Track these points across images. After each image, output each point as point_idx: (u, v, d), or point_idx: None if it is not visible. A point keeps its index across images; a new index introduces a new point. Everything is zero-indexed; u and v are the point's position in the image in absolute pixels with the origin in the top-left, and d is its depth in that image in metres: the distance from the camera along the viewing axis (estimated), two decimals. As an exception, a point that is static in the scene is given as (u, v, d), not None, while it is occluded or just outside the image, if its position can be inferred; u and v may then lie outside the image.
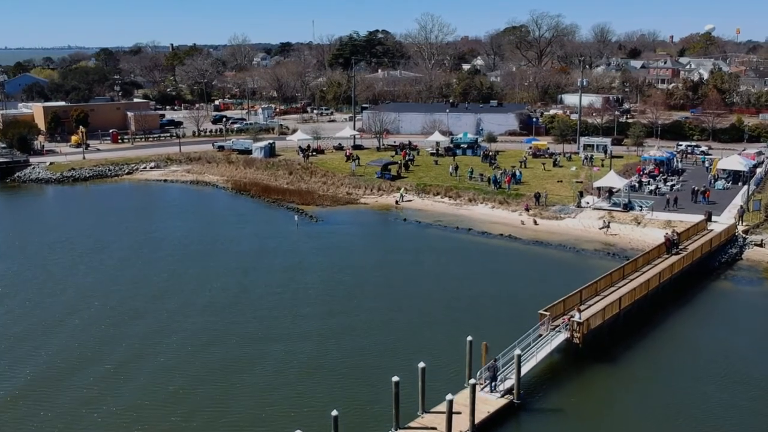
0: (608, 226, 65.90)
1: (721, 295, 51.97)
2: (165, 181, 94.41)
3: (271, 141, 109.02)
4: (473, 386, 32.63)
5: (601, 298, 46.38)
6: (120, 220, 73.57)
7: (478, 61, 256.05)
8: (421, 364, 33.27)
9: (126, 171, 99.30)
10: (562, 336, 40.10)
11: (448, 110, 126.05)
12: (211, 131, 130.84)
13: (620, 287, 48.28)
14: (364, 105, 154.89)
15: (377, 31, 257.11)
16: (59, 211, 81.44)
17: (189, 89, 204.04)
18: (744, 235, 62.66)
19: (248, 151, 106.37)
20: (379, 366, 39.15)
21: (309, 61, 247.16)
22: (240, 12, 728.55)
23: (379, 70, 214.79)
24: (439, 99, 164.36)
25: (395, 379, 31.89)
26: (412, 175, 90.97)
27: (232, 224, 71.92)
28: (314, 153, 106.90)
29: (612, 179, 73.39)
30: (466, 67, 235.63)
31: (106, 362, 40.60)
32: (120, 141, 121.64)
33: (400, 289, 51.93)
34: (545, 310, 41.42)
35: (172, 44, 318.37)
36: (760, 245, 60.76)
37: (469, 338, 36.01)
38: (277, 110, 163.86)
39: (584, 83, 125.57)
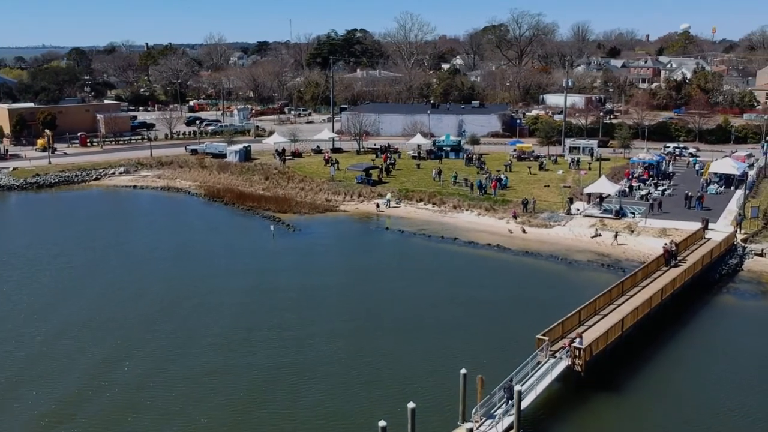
0: (616, 237, 62.45)
1: (725, 311, 48.82)
2: (134, 187, 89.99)
3: (246, 144, 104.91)
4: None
5: (601, 318, 43.07)
6: (82, 231, 69.09)
7: (458, 61, 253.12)
8: (411, 405, 29.65)
9: (94, 177, 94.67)
10: (563, 364, 36.67)
11: (429, 111, 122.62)
12: (184, 134, 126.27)
13: (620, 305, 45.04)
14: (342, 106, 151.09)
15: (356, 30, 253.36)
16: (19, 221, 76.76)
17: (163, 90, 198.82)
18: (743, 244, 59.75)
19: (222, 155, 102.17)
20: (362, 407, 35.23)
21: (286, 60, 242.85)
22: (217, 10, 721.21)
23: (358, 70, 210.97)
24: (419, 99, 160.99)
25: (382, 423, 28.25)
26: (393, 180, 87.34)
27: (204, 235, 67.73)
28: (292, 156, 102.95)
29: (603, 185, 70.27)
30: (445, 66, 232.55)
31: (49, 389, 36.55)
32: (89, 144, 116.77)
33: (385, 312, 47.79)
34: (543, 335, 37.99)
35: (147, 43, 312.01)
36: (761, 255, 57.87)
37: (463, 371, 32.40)
38: (254, 111, 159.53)
39: (569, 83, 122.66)
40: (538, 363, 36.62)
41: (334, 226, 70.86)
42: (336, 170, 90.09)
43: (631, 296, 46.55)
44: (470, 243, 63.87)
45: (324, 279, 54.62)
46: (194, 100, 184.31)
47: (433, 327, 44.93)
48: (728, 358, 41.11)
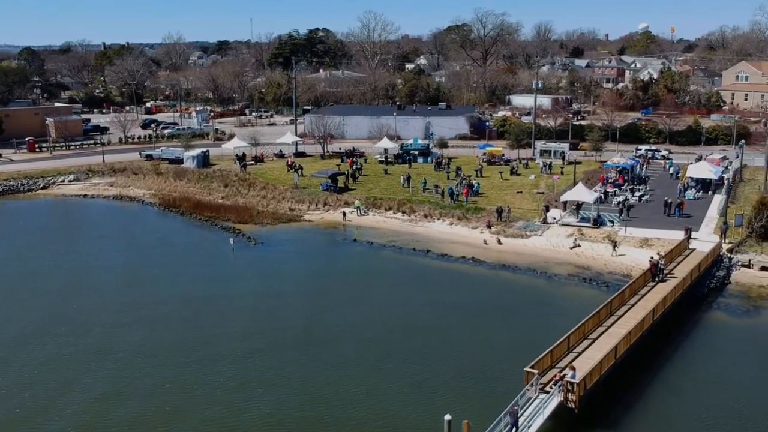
0: (615, 248, 59.24)
1: (718, 331, 45.77)
2: (85, 196, 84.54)
3: (204, 149, 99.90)
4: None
5: (591, 342, 39.62)
6: (22, 246, 63.86)
7: (422, 61, 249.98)
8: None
9: (41, 185, 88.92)
10: (555, 400, 33.07)
11: (395, 113, 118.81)
12: (139, 137, 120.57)
13: (610, 326, 41.67)
14: (306, 107, 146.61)
15: (318, 29, 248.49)
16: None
17: (119, 91, 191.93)
18: (729, 255, 57.04)
19: (179, 161, 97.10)
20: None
21: (247, 60, 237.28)
22: (175, 9, 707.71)
23: (321, 70, 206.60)
24: (384, 100, 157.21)
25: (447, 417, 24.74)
26: (360, 186, 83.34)
27: (156, 250, 62.99)
28: (253, 161, 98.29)
29: (580, 192, 67.10)
30: (409, 66, 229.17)
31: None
32: (38, 150, 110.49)
33: (354, 342, 43.29)
34: (531, 367, 34.37)
35: (104, 43, 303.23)
36: (748, 266, 55.20)
37: (447, 417, 28.48)
38: (213, 113, 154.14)
39: (539, 85, 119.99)
40: (528, 399, 32.97)
41: (298, 238, 66.58)
42: (300, 176, 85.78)
43: (620, 316, 43.24)
44: (443, 256, 60.15)
45: (286, 301, 50.28)
46: (151, 102, 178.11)
47: (407, 360, 40.57)
48: (728, 385, 37.91)
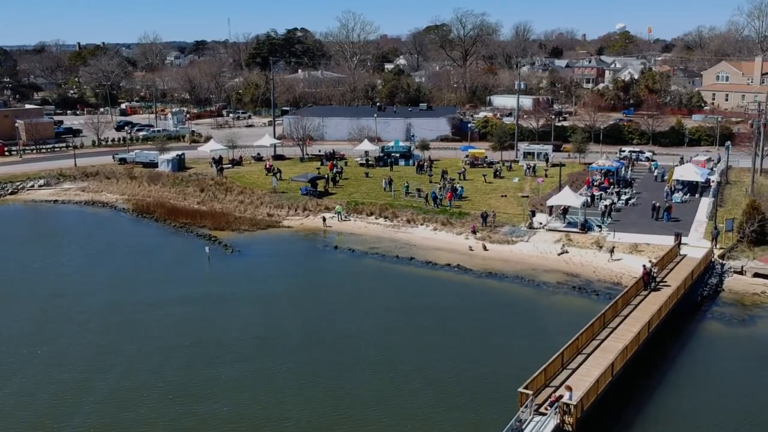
0: (611, 253, 57.61)
1: (714, 342, 44.12)
2: (55, 201, 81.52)
3: (180, 152, 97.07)
4: None
5: (586, 357, 37.75)
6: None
7: (401, 61, 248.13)
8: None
9: (9, 190, 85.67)
10: (552, 423, 31.12)
11: (375, 115, 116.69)
12: (113, 140, 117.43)
13: (604, 340, 39.85)
14: (284, 108, 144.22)
15: (296, 29, 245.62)
16: None
17: (93, 92, 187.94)
18: (721, 261, 55.56)
19: (154, 164, 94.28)
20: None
21: (225, 60, 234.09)
22: (152, 8, 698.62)
23: (300, 71, 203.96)
24: (364, 101, 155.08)
25: None
26: (340, 190, 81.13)
27: (128, 259, 60.31)
28: (230, 165, 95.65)
29: (567, 197, 65.37)
30: (389, 67, 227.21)
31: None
32: (7, 153, 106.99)
33: (334, 359, 40.85)
34: (525, 387, 32.41)
35: (79, 43, 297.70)
36: (741, 272, 53.72)
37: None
38: (189, 114, 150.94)
39: (521, 86, 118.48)
40: (523, 422, 31.01)
41: (277, 245, 64.21)
42: (278, 180, 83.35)
43: (614, 329, 41.44)
44: (428, 263, 58.13)
45: (263, 316, 47.96)
46: (126, 103, 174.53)
47: (393, 379, 38.52)
48: (729, 400, 36.29)
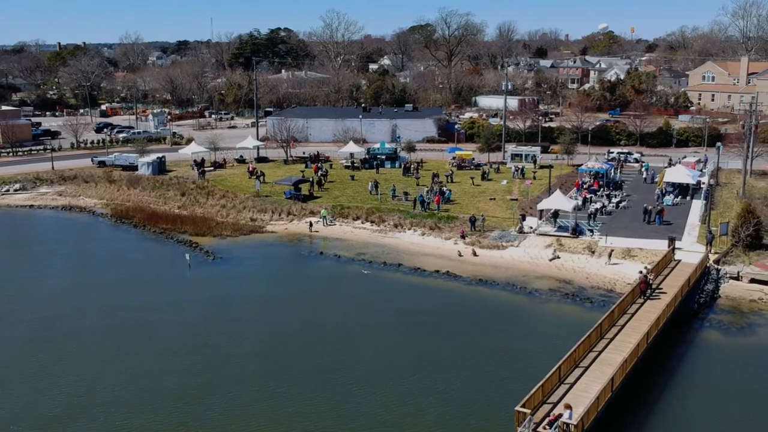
0: (609, 257, 56.24)
1: (714, 351, 42.65)
2: (31, 206, 79.15)
3: (160, 155, 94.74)
4: None
5: (584, 371, 36.13)
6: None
7: (385, 61, 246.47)
8: None
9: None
10: (551, 445, 29.51)
11: (361, 116, 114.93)
12: (92, 142, 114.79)
13: (601, 352, 38.25)
14: (268, 109, 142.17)
15: (279, 29, 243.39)
16: None
17: (73, 93, 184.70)
18: (717, 266, 54.24)
19: (133, 167, 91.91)
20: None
21: (207, 60, 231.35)
22: (134, 8, 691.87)
23: (283, 71, 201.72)
24: (349, 102, 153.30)
25: None
26: (326, 194, 79.26)
27: (104, 268, 57.97)
28: (212, 168, 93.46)
29: (558, 200, 63.84)
30: (373, 67, 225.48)
31: None
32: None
33: (320, 375, 38.99)
34: (522, 405, 30.75)
35: (59, 43, 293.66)
36: (737, 278, 52.38)
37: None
38: (171, 115, 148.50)
39: (509, 86, 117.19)
40: (520, 444, 29.38)
41: (260, 252, 62.20)
42: (261, 184, 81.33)
43: (611, 339, 39.89)
44: (416, 270, 56.37)
45: (247, 323, 46.16)
46: (107, 104, 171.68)
47: (378, 395, 36.67)
48: (733, 415, 34.83)
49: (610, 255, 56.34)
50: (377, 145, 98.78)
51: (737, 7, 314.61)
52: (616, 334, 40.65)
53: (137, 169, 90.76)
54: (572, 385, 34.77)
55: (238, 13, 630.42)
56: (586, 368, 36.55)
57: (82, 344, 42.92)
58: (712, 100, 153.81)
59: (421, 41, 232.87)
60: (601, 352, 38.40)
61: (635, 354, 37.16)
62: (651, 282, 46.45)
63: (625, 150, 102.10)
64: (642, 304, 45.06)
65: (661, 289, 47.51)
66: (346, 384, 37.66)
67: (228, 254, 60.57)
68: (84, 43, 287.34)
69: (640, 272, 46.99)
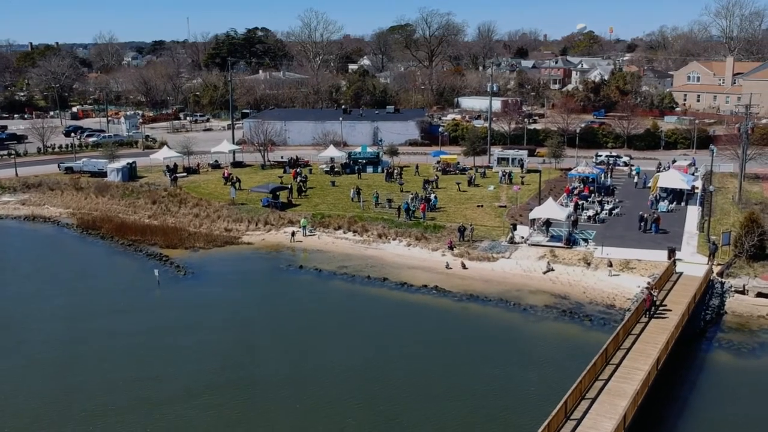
0: (610, 266, 53.30)
1: (725, 376, 39.47)
2: (-8, 216, 74.59)
3: (131, 160, 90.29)
4: None
5: (590, 403, 32.77)
6: None
7: (365, 61, 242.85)
8: None
9: (-60, 204, 78.41)
10: (563, 497, 26.09)
11: (341, 118, 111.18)
12: (61, 147, 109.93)
13: (608, 381, 34.88)
14: (245, 110, 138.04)
15: (257, 28, 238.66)
16: None
17: (42, 95, 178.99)
18: (720, 279, 51.20)
19: (102, 174, 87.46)
20: None
21: (183, 60, 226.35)
22: (109, 7, 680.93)
23: (261, 71, 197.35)
24: (328, 104, 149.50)
25: None
26: (305, 201, 75.46)
27: (65, 286, 53.65)
28: (185, 173, 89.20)
29: (551, 209, 60.52)
30: (353, 67, 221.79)
31: None
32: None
33: (296, 407, 35.62)
34: (529, 450, 27.35)
35: (31, 43, 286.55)
36: (743, 292, 49.37)
37: None
38: (145, 118, 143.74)
39: (494, 87, 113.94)
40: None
41: (235, 266, 58.20)
42: (237, 191, 77.30)
43: (618, 365, 36.57)
44: (402, 284, 52.78)
45: (218, 348, 42.32)
46: (78, 107, 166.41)
47: (364, 429, 33.37)
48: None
49: (610, 264, 53.30)
50: (358, 149, 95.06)
51: (720, 6, 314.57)
52: (622, 359, 37.33)
53: (106, 176, 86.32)
54: (579, 420, 31.42)
55: (215, 13, 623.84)
56: (593, 400, 33.20)
57: (28, 380, 38.87)
58: (698, 100, 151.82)
59: (402, 41, 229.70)
60: (607, 380, 35.04)
61: (646, 384, 33.84)
62: (656, 299, 43.24)
63: (614, 153, 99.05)
64: (646, 323, 41.82)
65: (666, 305, 44.39)
66: (329, 424, 34.00)
67: (200, 269, 56.57)
68: (57, 43, 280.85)
69: (645, 289, 43.81)
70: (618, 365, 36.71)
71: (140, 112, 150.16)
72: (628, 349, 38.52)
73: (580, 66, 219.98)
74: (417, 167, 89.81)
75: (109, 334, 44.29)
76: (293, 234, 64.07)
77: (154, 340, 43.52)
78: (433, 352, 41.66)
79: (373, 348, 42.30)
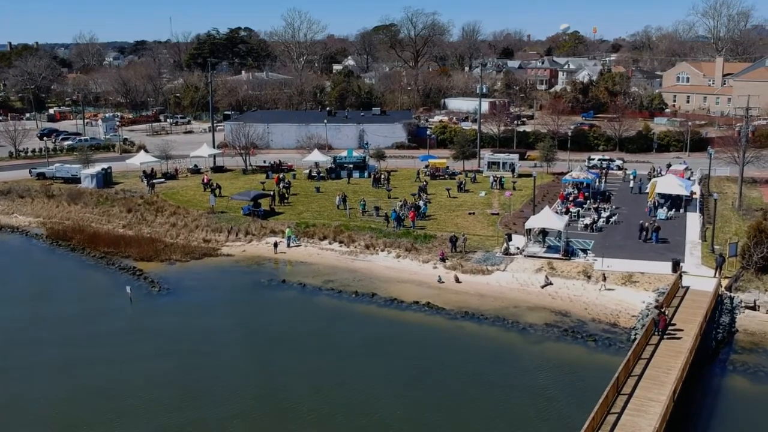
0: (604, 280, 50.54)
1: (744, 404, 36.51)
2: (-45, 226, 70.53)
3: (106, 166, 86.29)
4: None
5: (603, 443, 29.76)
6: None
7: (350, 62, 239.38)
8: None
9: None
10: None
11: (326, 120, 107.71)
12: (34, 151, 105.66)
13: (620, 414, 31.74)
14: (226, 112, 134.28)
15: (239, 28, 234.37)
16: None
17: (18, 96, 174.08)
18: (729, 293, 48.34)
19: (76, 180, 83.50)
20: None
21: (165, 61, 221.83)
22: (91, 6, 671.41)
23: (243, 72, 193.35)
24: (312, 105, 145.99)
25: None
26: (289, 209, 71.98)
27: (29, 306, 49.82)
28: (163, 179, 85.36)
29: (548, 218, 57.42)
30: (337, 68, 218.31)
31: None
32: None
33: None
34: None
35: (9, 42, 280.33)
36: (754, 308, 46.53)
37: None
38: (123, 120, 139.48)
39: (483, 89, 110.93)
40: None
41: (213, 280, 54.66)
42: (216, 198, 73.65)
43: (630, 395, 33.47)
44: (392, 301, 49.52)
45: (194, 374, 38.88)
46: (55, 108, 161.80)
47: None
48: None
49: (604, 278, 50.52)
50: (344, 153, 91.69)
51: (707, 6, 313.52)
52: (634, 388, 34.28)
53: (80, 182, 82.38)
54: (594, 465, 28.34)
55: (197, 13, 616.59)
56: (608, 439, 30.15)
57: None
58: (688, 101, 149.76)
59: (386, 41, 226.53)
60: (620, 414, 31.96)
61: (664, 420, 30.79)
62: (667, 319, 40.26)
63: (606, 156, 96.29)
64: (656, 345, 38.86)
65: (675, 324, 41.43)
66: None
67: (176, 284, 53.01)
68: (36, 43, 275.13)
69: (655, 308, 40.76)
70: (630, 395, 33.66)
71: (119, 114, 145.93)
72: (640, 376, 35.48)
73: (566, 66, 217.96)
74: (418, 173, 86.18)
75: (74, 357, 40.73)
76: (276, 245, 60.72)
77: (124, 364, 39.95)
78: (427, 382, 38.29)
79: (360, 376, 39.01)
